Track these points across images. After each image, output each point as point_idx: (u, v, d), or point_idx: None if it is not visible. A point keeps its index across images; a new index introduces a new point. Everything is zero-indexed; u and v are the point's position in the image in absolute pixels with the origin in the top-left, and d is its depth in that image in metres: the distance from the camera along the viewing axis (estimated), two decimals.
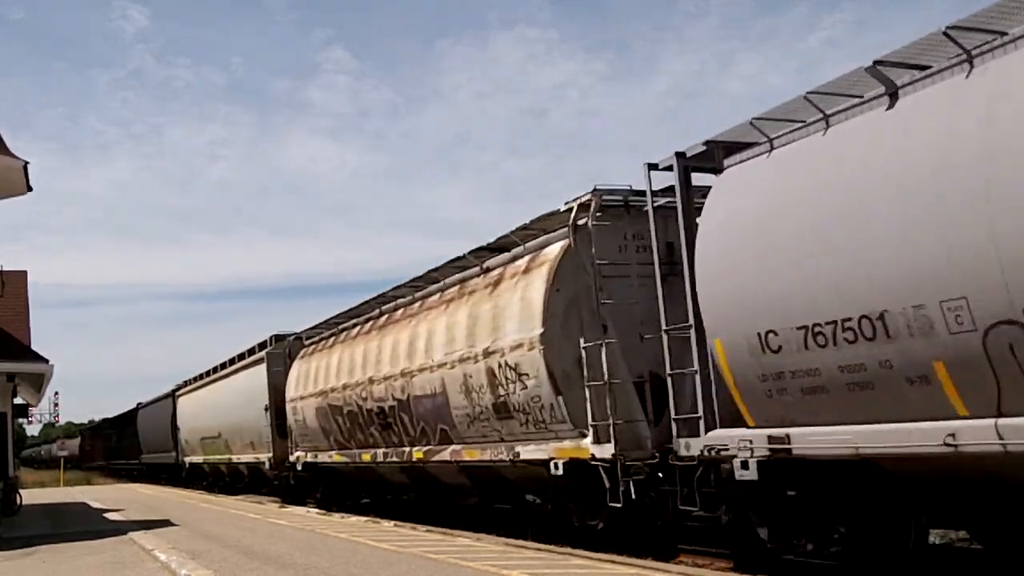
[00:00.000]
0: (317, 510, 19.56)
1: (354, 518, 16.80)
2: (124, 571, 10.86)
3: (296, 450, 21.57)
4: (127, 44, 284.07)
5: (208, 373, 31.35)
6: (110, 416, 62.09)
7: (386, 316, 17.22)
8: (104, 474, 62.51)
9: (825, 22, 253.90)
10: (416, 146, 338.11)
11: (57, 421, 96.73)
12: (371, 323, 17.84)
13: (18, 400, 23.29)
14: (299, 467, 21.46)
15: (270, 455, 23.40)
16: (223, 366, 29.00)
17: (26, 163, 16.99)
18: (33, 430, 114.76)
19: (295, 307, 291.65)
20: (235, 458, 27.84)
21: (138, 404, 48.22)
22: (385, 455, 16.55)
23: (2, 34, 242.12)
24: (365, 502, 20.77)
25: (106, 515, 21.24)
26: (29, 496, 27.69)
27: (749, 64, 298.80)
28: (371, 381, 16.43)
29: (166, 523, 17.38)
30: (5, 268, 21.22)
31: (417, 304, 15.71)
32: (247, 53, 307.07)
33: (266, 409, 23.34)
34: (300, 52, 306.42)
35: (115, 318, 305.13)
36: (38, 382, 22.27)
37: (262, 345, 24.78)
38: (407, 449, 15.49)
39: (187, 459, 35.56)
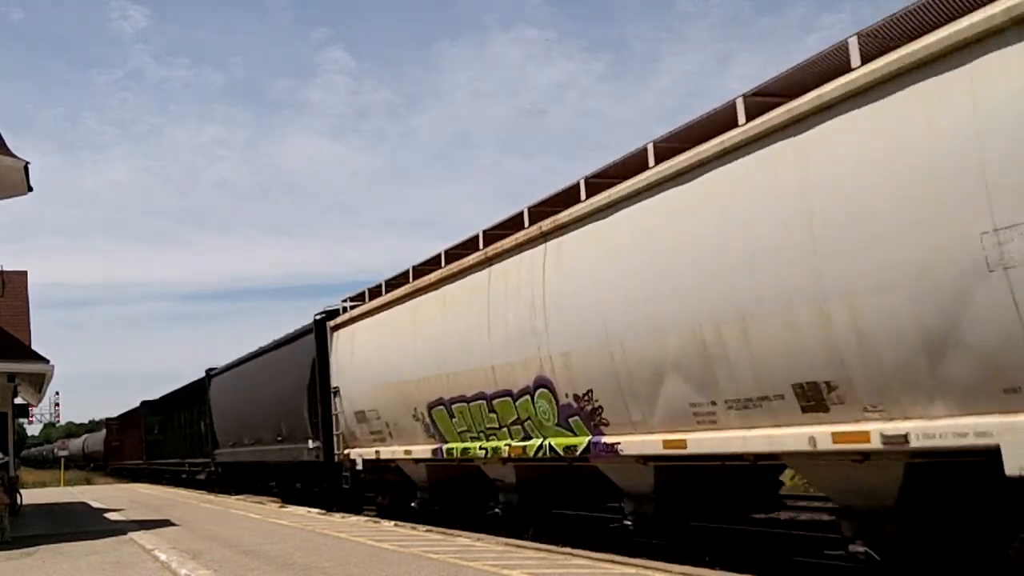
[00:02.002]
0: (317, 510, 19.51)
1: (354, 518, 16.79)
2: (124, 571, 10.85)
3: None
4: (126, 44, 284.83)
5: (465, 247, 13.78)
6: (151, 398, 45.19)
7: None
8: (145, 479, 46.28)
9: (823, 22, 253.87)
10: (415, 146, 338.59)
11: (58, 421, 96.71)
12: None
13: (18, 400, 23.29)
14: None
15: None
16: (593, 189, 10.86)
17: (27, 163, 17.00)
18: (33, 430, 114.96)
19: (295, 307, 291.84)
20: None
21: (208, 371, 31.79)
22: None
23: (2, 34, 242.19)
24: None
25: (106, 515, 21.23)
26: (29, 496, 27.71)
27: (748, 64, 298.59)
28: None
29: (166, 523, 17.38)
30: (5, 268, 21.28)
31: None
32: (246, 53, 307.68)
33: None
34: (299, 52, 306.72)
35: (115, 318, 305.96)
36: (39, 382, 22.27)
37: None
38: None
39: (360, 452, 17.42)
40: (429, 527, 14.00)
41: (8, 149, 17.18)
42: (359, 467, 17.53)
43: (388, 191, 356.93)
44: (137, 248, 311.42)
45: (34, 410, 48.91)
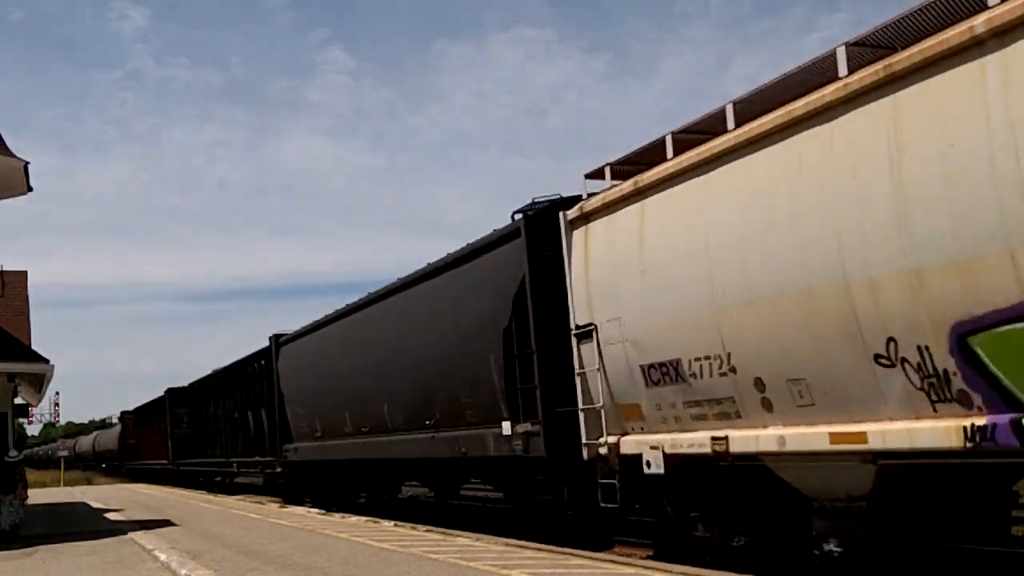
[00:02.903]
0: (317, 510, 19.50)
1: (354, 518, 16.78)
2: (124, 571, 10.85)
3: None
4: (126, 44, 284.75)
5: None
6: (178, 385, 37.94)
7: None
8: (171, 482, 39.15)
9: (823, 22, 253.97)
10: (415, 146, 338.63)
11: (58, 421, 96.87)
12: None
13: (18, 400, 23.28)
14: None
15: None
16: None
17: (26, 163, 16.99)
18: (33, 430, 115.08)
19: (295, 307, 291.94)
20: None
21: (276, 337, 23.49)
22: None
23: (2, 34, 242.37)
24: None
25: (106, 515, 21.25)
26: (29, 496, 27.68)
27: (748, 64, 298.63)
28: None
29: (166, 523, 17.38)
30: (5, 268, 21.28)
31: None
32: (245, 53, 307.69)
33: None
34: (298, 52, 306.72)
35: (115, 318, 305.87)
36: (38, 382, 22.25)
37: None
38: None
39: (657, 440, 9.50)
40: (429, 527, 13.92)
41: (8, 149, 17.16)
42: (654, 468, 9.53)
43: (388, 191, 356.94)
44: (137, 248, 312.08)
45: (34, 410, 48.95)
